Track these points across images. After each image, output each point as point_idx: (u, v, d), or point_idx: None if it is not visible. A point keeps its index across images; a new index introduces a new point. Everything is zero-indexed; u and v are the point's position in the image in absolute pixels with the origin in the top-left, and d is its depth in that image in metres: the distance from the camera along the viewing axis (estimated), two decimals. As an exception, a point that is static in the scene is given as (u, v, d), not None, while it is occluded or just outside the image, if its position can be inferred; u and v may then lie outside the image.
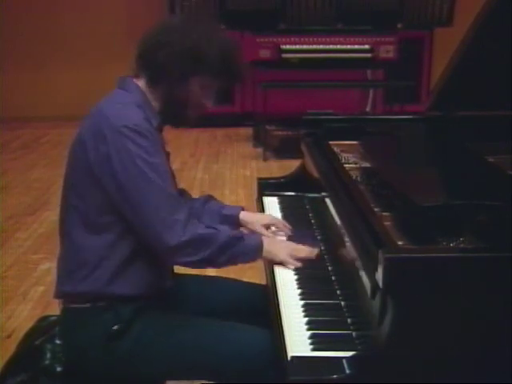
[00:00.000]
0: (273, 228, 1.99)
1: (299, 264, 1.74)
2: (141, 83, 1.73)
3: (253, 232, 1.97)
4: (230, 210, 2.02)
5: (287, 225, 2.00)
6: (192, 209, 1.95)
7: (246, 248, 1.71)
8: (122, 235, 1.65)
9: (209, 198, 2.04)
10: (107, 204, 1.63)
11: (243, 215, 2.01)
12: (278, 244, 1.82)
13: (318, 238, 1.94)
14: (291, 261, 1.74)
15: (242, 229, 1.99)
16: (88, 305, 1.67)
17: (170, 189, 1.64)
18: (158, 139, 1.68)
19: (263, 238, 1.79)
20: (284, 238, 1.94)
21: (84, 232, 1.66)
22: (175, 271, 1.91)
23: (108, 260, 1.65)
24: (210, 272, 3.11)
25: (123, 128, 1.58)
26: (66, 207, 1.72)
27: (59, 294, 1.74)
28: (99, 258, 1.65)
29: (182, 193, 2.00)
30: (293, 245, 1.81)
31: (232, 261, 1.70)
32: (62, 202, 1.74)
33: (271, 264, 1.76)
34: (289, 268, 1.73)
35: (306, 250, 1.77)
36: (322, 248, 1.87)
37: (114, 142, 1.58)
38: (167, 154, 1.83)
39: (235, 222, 2.00)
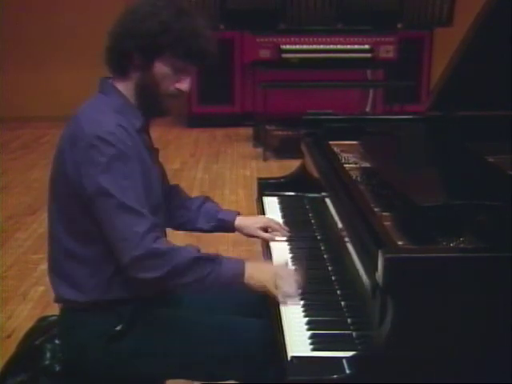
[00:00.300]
0: (268, 235, 1.96)
1: (286, 301, 1.58)
2: (116, 81, 1.68)
3: (251, 236, 1.97)
4: (226, 215, 1.99)
5: (283, 226, 1.99)
6: (187, 207, 1.95)
7: (219, 272, 1.60)
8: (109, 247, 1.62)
9: (206, 200, 2.01)
10: (88, 214, 1.60)
11: (239, 220, 1.98)
12: (264, 270, 1.67)
13: (318, 237, 1.94)
14: (277, 293, 1.59)
15: (238, 234, 1.98)
16: (88, 305, 1.66)
17: (132, 201, 1.55)
18: (135, 143, 1.62)
19: (247, 263, 1.66)
20: (282, 239, 1.94)
21: (73, 240, 1.65)
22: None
23: (103, 268, 1.64)
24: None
25: (94, 138, 1.54)
26: (53, 213, 1.71)
27: (59, 300, 1.73)
28: (94, 267, 1.64)
29: (175, 189, 1.98)
30: (280, 270, 1.66)
31: (198, 283, 1.59)
32: (49, 208, 1.73)
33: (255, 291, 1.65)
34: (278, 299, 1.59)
35: (290, 281, 1.62)
36: (322, 248, 1.87)
37: (83, 152, 1.55)
38: (156, 151, 1.81)
39: (230, 228, 1.98)
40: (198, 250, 1.63)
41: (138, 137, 1.66)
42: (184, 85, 1.66)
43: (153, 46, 1.60)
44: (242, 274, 1.62)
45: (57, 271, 1.71)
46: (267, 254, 1.91)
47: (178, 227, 2.00)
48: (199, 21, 1.65)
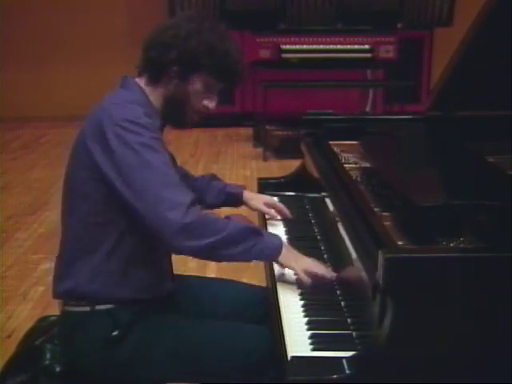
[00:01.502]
0: (272, 211, 2.08)
1: (310, 281, 1.63)
2: (142, 82, 1.72)
3: (255, 209, 2.10)
4: (234, 189, 2.10)
5: (287, 211, 2.08)
6: (196, 187, 2.01)
7: (263, 244, 1.63)
8: (121, 238, 1.63)
9: (212, 177, 2.10)
10: (108, 202, 1.61)
11: (246, 194, 2.10)
12: (297, 254, 1.71)
13: (318, 237, 1.94)
14: (303, 275, 1.64)
15: (244, 206, 2.09)
16: (88, 308, 1.66)
17: (175, 176, 1.61)
18: (159, 134, 1.68)
19: (284, 243, 1.70)
20: (277, 222, 2.05)
21: (84, 235, 1.65)
22: (175, 273, 1.91)
23: (108, 265, 1.64)
24: (210, 273, 3.11)
25: (123, 122, 1.58)
26: (67, 209, 1.71)
27: (58, 292, 1.73)
28: (99, 262, 1.64)
29: (185, 173, 2.04)
30: (309, 259, 1.70)
31: (245, 254, 1.62)
32: (63, 204, 1.73)
33: (282, 267, 1.69)
34: (303, 279, 1.64)
35: (322, 268, 1.67)
36: (322, 248, 1.87)
37: (114, 135, 1.57)
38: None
39: (239, 200, 2.10)
40: (244, 221, 1.71)
41: (158, 131, 1.69)
42: (212, 103, 1.75)
43: (194, 62, 1.67)
44: (280, 251, 1.66)
45: (62, 264, 1.71)
46: None
47: None
48: (236, 45, 1.74)
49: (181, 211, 1.54)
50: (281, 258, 1.66)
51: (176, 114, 1.74)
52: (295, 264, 1.65)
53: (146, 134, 1.59)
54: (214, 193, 2.06)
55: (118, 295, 1.66)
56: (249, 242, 1.61)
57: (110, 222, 1.63)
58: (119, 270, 1.65)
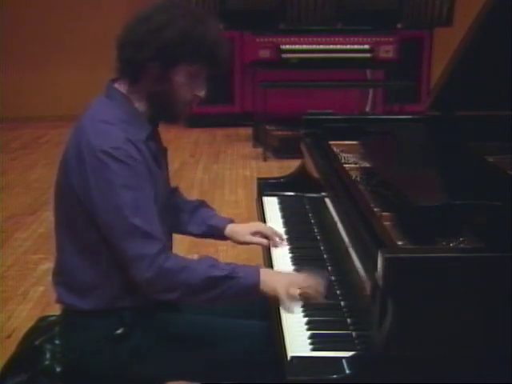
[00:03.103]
0: (260, 240, 1.92)
1: (292, 307, 1.54)
2: (123, 85, 1.64)
3: (242, 243, 1.94)
4: (217, 222, 1.95)
5: (277, 232, 1.95)
6: (182, 213, 1.92)
7: (236, 288, 1.57)
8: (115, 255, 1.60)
9: (201, 204, 1.98)
10: (94, 224, 1.58)
11: (230, 228, 1.94)
12: (276, 276, 1.64)
13: (318, 237, 1.94)
14: (286, 299, 1.55)
15: (229, 241, 1.95)
16: (89, 308, 1.66)
17: (144, 221, 1.53)
18: (142, 155, 1.58)
19: (262, 271, 1.62)
20: (277, 222, 1.96)
21: (78, 253, 1.63)
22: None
23: (107, 283, 1.63)
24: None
25: (101, 153, 1.51)
26: (59, 222, 1.69)
27: (61, 303, 1.73)
28: (97, 281, 1.63)
29: (175, 192, 1.96)
30: (294, 276, 1.65)
31: (220, 299, 1.58)
32: (55, 213, 1.71)
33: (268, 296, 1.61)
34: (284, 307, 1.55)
35: (310, 285, 1.58)
36: (322, 248, 1.87)
37: (92, 168, 1.52)
38: (164, 152, 1.79)
39: (220, 235, 1.95)
40: (213, 266, 1.58)
41: (145, 147, 1.62)
42: (201, 91, 1.66)
43: (171, 55, 1.57)
44: (257, 285, 1.59)
45: (60, 276, 1.71)
46: (267, 258, 1.89)
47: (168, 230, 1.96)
48: (213, 26, 1.64)
49: (142, 266, 1.51)
50: (261, 288, 1.58)
51: (165, 111, 1.66)
52: (280, 292, 1.56)
53: (123, 172, 1.51)
54: (196, 222, 1.94)
55: (120, 305, 1.65)
56: (216, 290, 1.56)
57: (101, 240, 1.60)
58: (120, 287, 1.63)
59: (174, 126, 1.76)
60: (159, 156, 1.72)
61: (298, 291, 1.57)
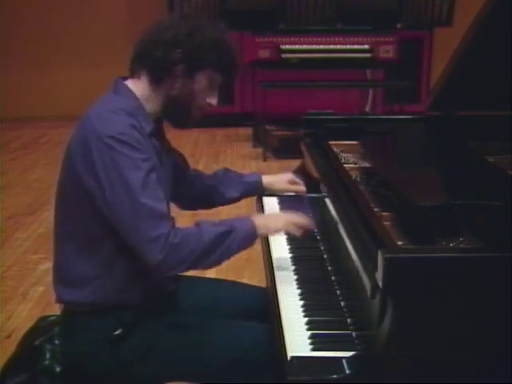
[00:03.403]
0: (299, 187, 2.10)
1: (299, 232, 1.72)
2: (137, 85, 1.67)
3: (282, 191, 2.12)
4: (252, 177, 2.10)
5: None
6: (210, 184, 2.03)
7: (237, 238, 1.63)
8: (116, 251, 1.63)
9: (226, 171, 2.09)
10: (96, 216, 1.59)
11: (265, 179, 2.09)
12: (273, 217, 1.81)
13: (318, 237, 1.94)
14: (292, 228, 1.72)
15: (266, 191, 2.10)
16: (89, 308, 1.66)
17: (153, 201, 1.55)
18: (147, 147, 1.61)
19: (254, 217, 1.71)
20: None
21: (77, 252, 1.64)
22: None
23: (107, 277, 1.64)
24: (210, 273, 3.11)
25: (108, 139, 1.53)
26: (59, 218, 1.70)
27: (60, 302, 1.73)
28: (97, 276, 1.64)
29: (198, 176, 2.05)
30: (287, 214, 1.78)
31: (226, 255, 1.64)
32: (55, 213, 1.71)
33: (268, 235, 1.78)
34: (294, 234, 1.73)
35: (302, 219, 1.74)
36: (322, 248, 1.87)
37: (99, 153, 1.53)
38: (168, 152, 1.81)
39: (258, 188, 2.09)
40: (211, 225, 1.64)
41: (149, 142, 1.64)
42: (214, 99, 1.72)
43: (200, 59, 1.64)
44: (255, 231, 1.67)
45: (58, 273, 1.71)
46: (267, 259, 1.90)
47: (211, 206, 2.11)
48: (232, 38, 1.72)
49: (156, 247, 1.52)
50: (261, 234, 1.71)
51: (180, 113, 1.70)
52: (278, 225, 1.72)
53: (131, 154, 1.54)
54: (231, 186, 2.05)
55: (121, 301, 1.66)
56: (225, 243, 1.61)
57: (105, 235, 1.61)
58: (121, 279, 1.65)
59: (182, 130, 1.79)
60: (162, 155, 1.73)
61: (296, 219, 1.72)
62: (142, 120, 1.64)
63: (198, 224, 1.63)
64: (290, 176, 2.13)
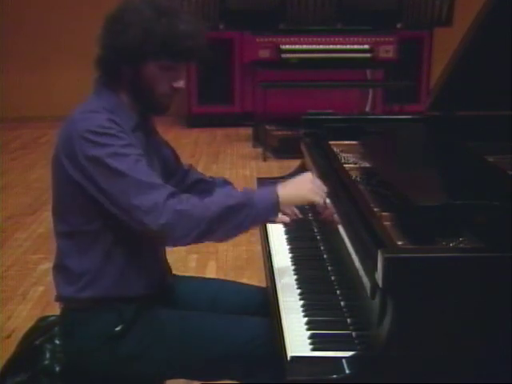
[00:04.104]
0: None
1: (327, 200, 1.65)
2: (109, 82, 1.68)
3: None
4: None
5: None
6: (212, 188, 1.94)
7: (252, 213, 1.57)
8: (114, 244, 1.64)
9: (226, 182, 2.00)
10: (90, 213, 1.61)
11: None
12: (297, 185, 1.67)
13: (318, 237, 1.94)
14: (320, 200, 1.64)
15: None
16: (89, 305, 1.67)
17: (142, 175, 1.55)
18: (131, 139, 1.62)
19: (278, 188, 1.62)
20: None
21: (75, 250, 1.65)
22: (175, 273, 1.92)
23: (105, 270, 1.64)
24: (209, 273, 3.11)
25: (87, 133, 1.55)
26: (56, 217, 1.70)
27: (60, 299, 1.74)
28: (96, 270, 1.65)
29: (189, 173, 1.98)
30: (310, 179, 1.68)
31: (239, 228, 1.57)
32: (53, 219, 1.72)
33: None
34: (319, 201, 1.64)
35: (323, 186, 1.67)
36: (322, 248, 1.87)
37: (82, 149, 1.55)
38: (157, 144, 1.83)
39: None
40: (227, 195, 1.62)
41: (133, 136, 1.65)
42: (180, 83, 1.67)
43: (136, 55, 1.60)
44: (277, 204, 1.60)
45: (60, 268, 1.71)
46: (263, 232, 1.99)
47: None
48: (182, 18, 1.62)
49: (155, 214, 1.51)
50: (284, 204, 1.64)
51: (148, 104, 1.69)
52: (301, 196, 1.64)
53: (111, 141, 1.55)
54: None
55: (120, 294, 1.66)
56: (236, 219, 1.55)
57: (102, 229, 1.63)
58: (117, 272, 1.65)
59: (162, 120, 1.79)
60: (150, 149, 1.74)
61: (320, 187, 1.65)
62: (124, 116, 1.65)
63: (217, 193, 1.63)
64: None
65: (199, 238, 1.55)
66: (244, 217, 1.56)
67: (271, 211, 1.61)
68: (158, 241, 1.65)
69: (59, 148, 1.62)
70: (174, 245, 1.63)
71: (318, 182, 1.67)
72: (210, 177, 2.03)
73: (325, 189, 1.67)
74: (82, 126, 1.57)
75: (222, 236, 1.59)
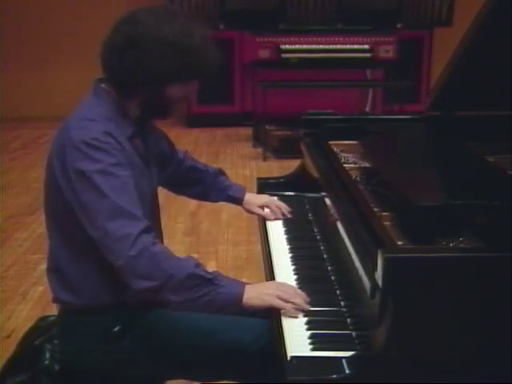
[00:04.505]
0: (266, 210, 2.11)
1: (289, 307, 1.52)
2: (111, 87, 1.68)
3: (249, 212, 2.13)
4: (236, 192, 2.13)
5: (283, 206, 2.11)
6: (203, 183, 2.07)
7: (215, 295, 1.53)
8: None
9: (218, 173, 2.12)
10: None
11: (246, 196, 2.13)
12: (264, 288, 1.60)
13: (318, 237, 1.94)
14: (281, 303, 1.52)
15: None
16: (85, 309, 1.67)
17: (125, 202, 1.53)
18: (125, 150, 1.61)
19: (249, 287, 1.58)
20: (276, 222, 2.07)
21: (68, 253, 1.65)
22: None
23: (102, 278, 1.64)
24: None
25: (81, 144, 1.54)
26: (48, 219, 1.73)
27: (57, 301, 1.73)
28: (92, 277, 1.64)
29: (184, 160, 2.05)
30: (280, 285, 1.62)
31: (193, 302, 1.53)
32: (45, 213, 1.74)
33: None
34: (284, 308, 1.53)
35: (297, 295, 1.56)
36: (322, 248, 1.87)
37: (72, 159, 1.55)
38: (158, 140, 1.87)
39: (239, 203, 2.14)
40: (198, 265, 1.55)
41: (130, 144, 1.65)
42: (193, 94, 1.74)
43: (161, 82, 1.61)
44: (239, 299, 1.55)
45: (54, 273, 1.71)
46: (263, 232, 2.03)
47: (191, 197, 2.19)
48: (199, 33, 1.61)
49: (125, 244, 1.49)
50: (245, 303, 1.55)
51: (157, 113, 1.72)
52: (263, 301, 1.55)
53: (102, 158, 1.54)
54: (215, 191, 2.11)
55: (118, 299, 1.66)
56: (195, 290, 1.51)
57: (90, 239, 1.60)
58: (115, 280, 1.62)
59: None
60: (148, 153, 1.75)
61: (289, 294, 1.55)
62: (121, 123, 1.64)
63: (186, 257, 1.60)
64: (264, 200, 2.15)
65: (153, 290, 1.50)
66: (205, 293, 1.51)
67: (231, 304, 1.55)
68: (117, 273, 1.54)
69: (53, 152, 1.63)
70: (126, 284, 1.53)
71: (285, 287, 1.59)
72: (205, 165, 2.12)
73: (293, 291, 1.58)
74: (76, 135, 1.56)
75: (174, 300, 1.53)
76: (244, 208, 2.15)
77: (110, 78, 1.66)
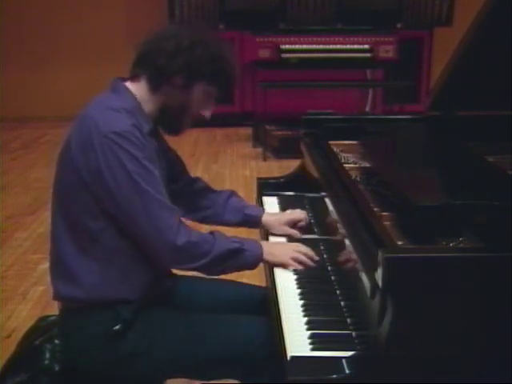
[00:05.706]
0: (295, 231, 1.97)
1: (300, 266, 1.74)
2: (136, 87, 1.70)
3: (281, 235, 1.96)
4: (253, 211, 2.04)
5: (304, 213, 2.03)
6: (215, 204, 2.01)
7: (244, 259, 1.71)
8: (114, 246, 1.64)
9: (232, 194, 2.07)
10: (96, 211, 1.61)
11: (265, 217, 2.01)
12: (280, 248, 1.81)
13: (318, 237, 1.94)
14: (292, 262, 1.74)
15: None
16: (87, 304, 1.67)
17: (161, 195, 1.62)
18: (147, 146, 1.64)
19: (263, 243, 1.80)
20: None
21: (76, 248, 1.65)
22: (175, 272, 1.92)
23: (105, 273, 1.64)
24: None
25: (112, 134, 1.56)
26: (56, 215, 1.70)
27: (58, 297, 1.73)
28: (95, 271, 1.64)
29: (198, 182, 2.04)
30: (293, 246, 1.81)
31: (227, 271, 1.73)
32: (52, 213, 1.72)
33: (272, 265, 1.76)
34: (289, 269, 1.74)
35: (307, 251, 1.78)
36: (322, 248, 1.87)
37: (103, 149, 1.56)
38: (165, 152, 1.85)
39: (257, 223, 2.02)
40: (227, 238, 1.71)
41: (148, 140, 1.66)
42: (208, 112, 1.78)
43: (197, 71, 1.67)
44: (261, 257, 1.74)
45: (56, 265, 1.71)
46: (263, 232, 2.02)
47: (201, 220, 2.05)
48: (231, 51, 1.79)
49: (169, 236, 1.59)
50: (265, 258, 1.75)
51: (173, 121, 1.75)
52: (279, 258, 1.75)
53: (134, 150, 1.57)
54: (232, 211, 2.01)
55: (119, 296, 1.66)
56: (232, 260, 1.69)
57: (105, 229, 1.62)
58: (119, 276, 1.65)
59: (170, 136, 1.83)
60: (160, 154, 1.76)
61: (298, 254, 1.75)
62: (142, 119, 1.66)
63: (212, 233, 1.70)
64: (288, 217, 2.00)
65: (196, 269, 1.68)
66: (237, 260, 1.70)
67: (257, 261, 1.74)
68: (158, 260, 1.67)
69: (74, 146, 1.61)
70: (169, 267, 1.78)
71: (303, 249, 1.79)
72: (219, 190, 2.08)
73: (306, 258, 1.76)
74: (105, 125, 1.57)
75: (216, 272, 1.73)
76: (271, 231, 1.98)
77: (147, 72, 1.69)
